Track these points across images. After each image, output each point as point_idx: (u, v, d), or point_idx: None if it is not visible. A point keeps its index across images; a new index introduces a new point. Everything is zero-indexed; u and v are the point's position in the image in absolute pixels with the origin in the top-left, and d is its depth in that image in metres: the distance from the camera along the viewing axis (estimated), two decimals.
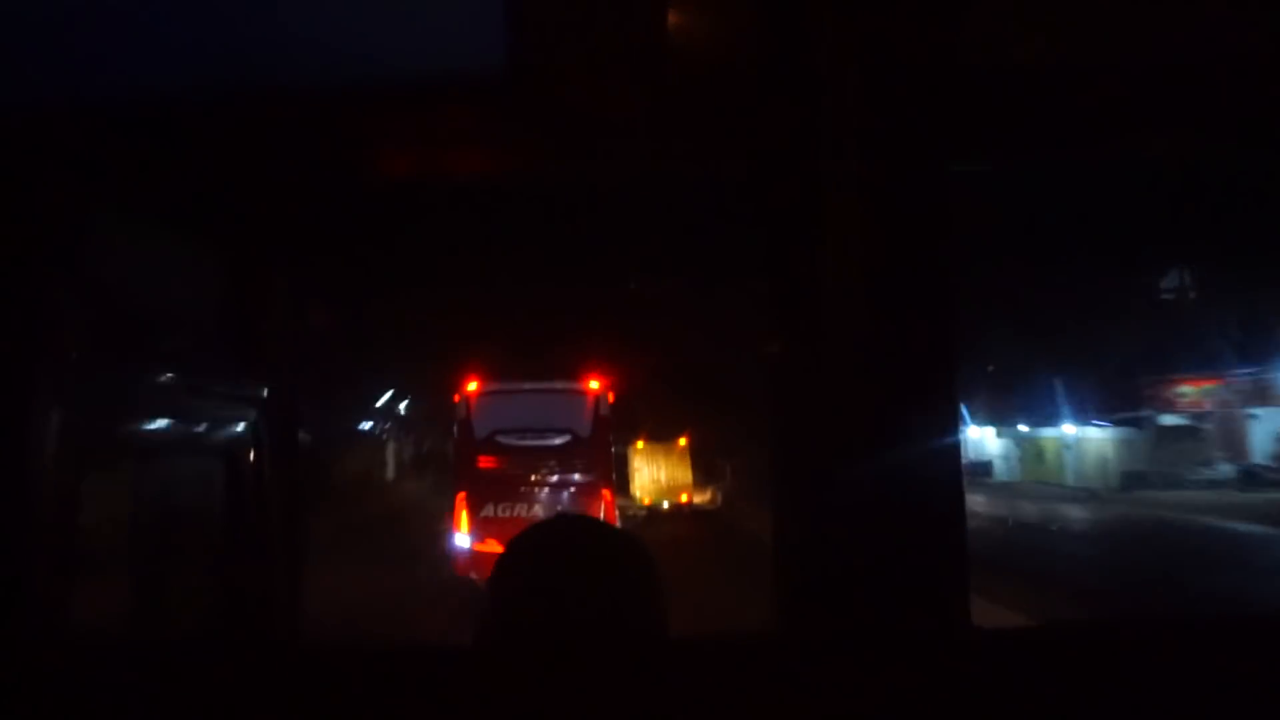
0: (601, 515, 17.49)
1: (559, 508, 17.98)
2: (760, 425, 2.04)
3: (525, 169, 2.98)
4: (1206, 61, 2.44)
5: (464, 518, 19.01)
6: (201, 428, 2.85)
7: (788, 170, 2.03)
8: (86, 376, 2.56)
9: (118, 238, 2.70)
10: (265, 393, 2.81)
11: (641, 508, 35.83)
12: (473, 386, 19.87)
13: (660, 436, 37.77)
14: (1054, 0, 2.41)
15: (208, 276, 2.81)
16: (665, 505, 36.72)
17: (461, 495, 19.23)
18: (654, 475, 37.39)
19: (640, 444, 38.00)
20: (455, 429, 20.21)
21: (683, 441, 37.79)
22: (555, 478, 19.37)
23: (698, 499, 39.14)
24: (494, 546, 17.24)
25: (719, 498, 41.75)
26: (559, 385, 19.97)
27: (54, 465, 2.47)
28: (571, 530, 2.11)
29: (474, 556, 18.29)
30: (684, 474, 37.77)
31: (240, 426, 2.80)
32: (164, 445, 2.89)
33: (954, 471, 1.85)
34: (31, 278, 2.48)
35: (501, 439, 19.48)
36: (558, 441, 19.50)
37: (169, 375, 2.76)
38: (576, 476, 19.36)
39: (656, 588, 1.97)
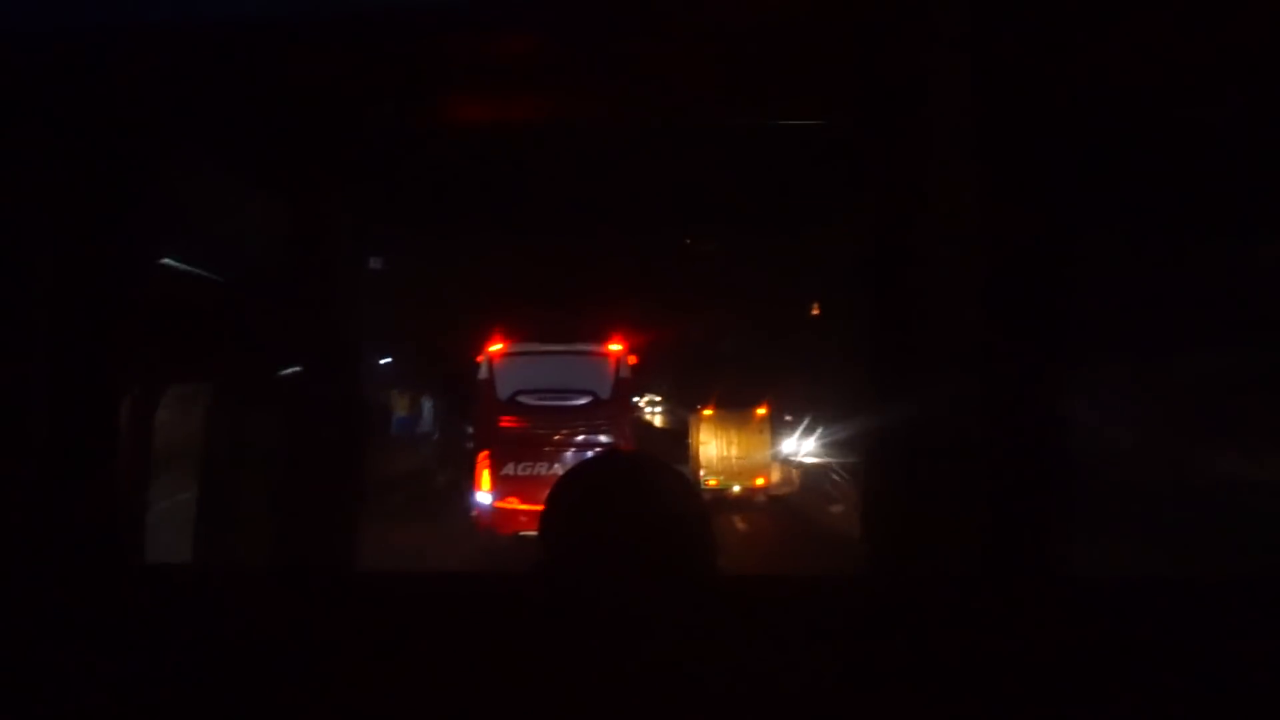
0: None
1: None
2: (855, 392, 2.01)
3: (592, 112, 2.95)
4: None
5: (485, 475, 18.86)
6: (269, 369, 2.90)
7: (891, 123, 1.99)
8: (162, 312, 2.61)
9: (188, 182, 2.74)
10: (328, 336, 2.84)
11: (706, 490, 26.73)
12: (496, 347, 19.59)
13: (735, 403, 29.14)
14: None
15: (275, 222, 2.83)
16: (736, 489, 28.02)
17: (484, 454, 19.12)
18: (723, 451, 28.74)
19: (709, 411, 29.53)
20: (478, 388, 19.80)
21: (761, 411, 28.75)
22: (576, 437, 19.24)
23: (776, 480, 29.66)
24: (514, 504, 17.93)
25: (796, 480, 31.13)
26: (580, 347, 19.67)
27: (132, 401, 2.54)
28: (619, 466, 2.09)
29: (495, 513, 18.41)
30: (761, 450, 28.71)
31: (304, 367, 2.84)
32: (236, 382, 2.94)
33: (1052, 422, 1.88)
34: (123, 226, 2.53)
35: (523, 399, 19.20)
36: (579, 402, 19.41)
37: (238, 316, 2.81)
38: (597, 436, 19.04)
39: (703, 521, 1.94)
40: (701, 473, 27.58)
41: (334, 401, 2.85)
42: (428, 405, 29.55)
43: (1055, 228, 1.94)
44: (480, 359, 19.83)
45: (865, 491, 2.06)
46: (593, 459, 2.10)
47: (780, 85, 2.62)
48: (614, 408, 19.29)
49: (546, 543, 1.89)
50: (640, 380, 21.65)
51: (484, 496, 18.64)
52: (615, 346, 19.50)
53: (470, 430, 25.21)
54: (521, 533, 16.62)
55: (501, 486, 18.55)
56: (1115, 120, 2.57)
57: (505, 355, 19.61)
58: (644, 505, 1.88)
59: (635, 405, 21.43)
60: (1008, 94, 1.90)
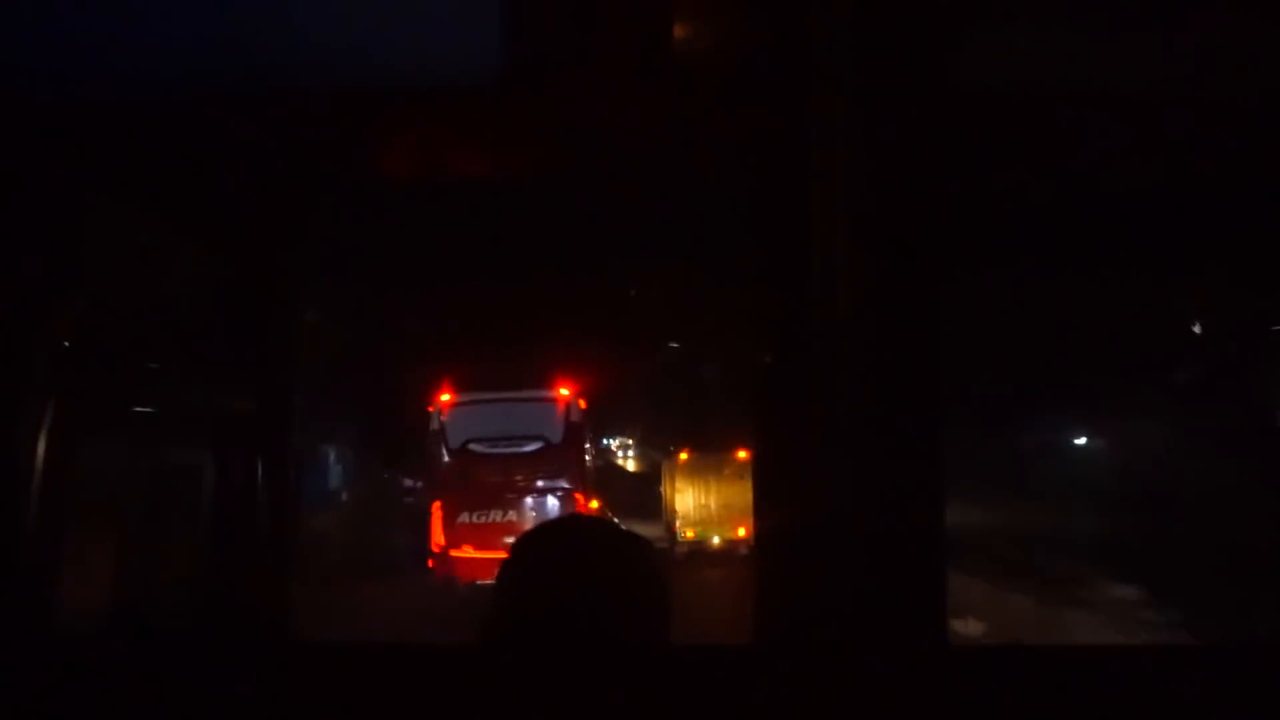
0: None
1: (532, 514, 18.64)
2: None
3: (518, 171, 2.96)
4: None
5: (439, 525, 19.26)
6: (194, 420, 2.79)
7: (780, 182, 2.01)
8: (80, 367, 2.51)
9: (116, 230, 2.64)
10: (258, 386, 2.76)
11: (683, 542, 25.95)
12: (445, 397, 20.00)
13: (713, 446, 27.16)
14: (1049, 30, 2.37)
15: (204, 270, 2.75)
16: (715, 541, 25.83)
17: (437, 504, 19.52)
18: (701, 499, 26.30)
19: (684, 455, 27.47)
20: (428, 439, 20.26)
21: (742, 454, 25.48)
22: (528, 484, 19.55)
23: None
24: (470, 552, 18.23)
25: None
26: (529, 394, 20.01)
27: (46, 456, 2.43)
28: (578, 531, 2.10)
29: (452, 562, 18.69)
30: (741, 498, 25.29)
31: (232, 419, 2.75)
32: (156, 436, 2.84)
33: (936, 488, 1.82)
34: (29, 267, 2.44)
35: (474, 447, 19.67)
36: (529, 449, 19.68)
37: (162, 368, 2.71)
38: (549, 482, 19.58)
39: (661, 593, 1.93)
40: (677, 524, 25.87)
41: (265, 455, 2.78)
42: (333, 458, 26.67)
43: (932, 300, 1.89)
44: (430, 409, 20.18)
45: (758, 562, 2.03)
46: (549, 524, 2.18)
47: (686, 147, 2.71)
48: (565, 453, 19.73)
49: (499, 609, 1.86)
50: (591, 424, 21.80)
51: (439, 545, 19.05)
52: (564, 391, 19.89)
53: (411, 484, 25.73)
54: (479, 581, 16.68)
55: (456, 535, 18.91)
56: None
57: (455, 405, 19.93)
58: (598, 575, 1.85)
59: (589, 450, 21.40)
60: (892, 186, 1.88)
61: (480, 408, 20.01)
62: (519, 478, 19.57)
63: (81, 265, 2.53)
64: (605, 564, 1.90)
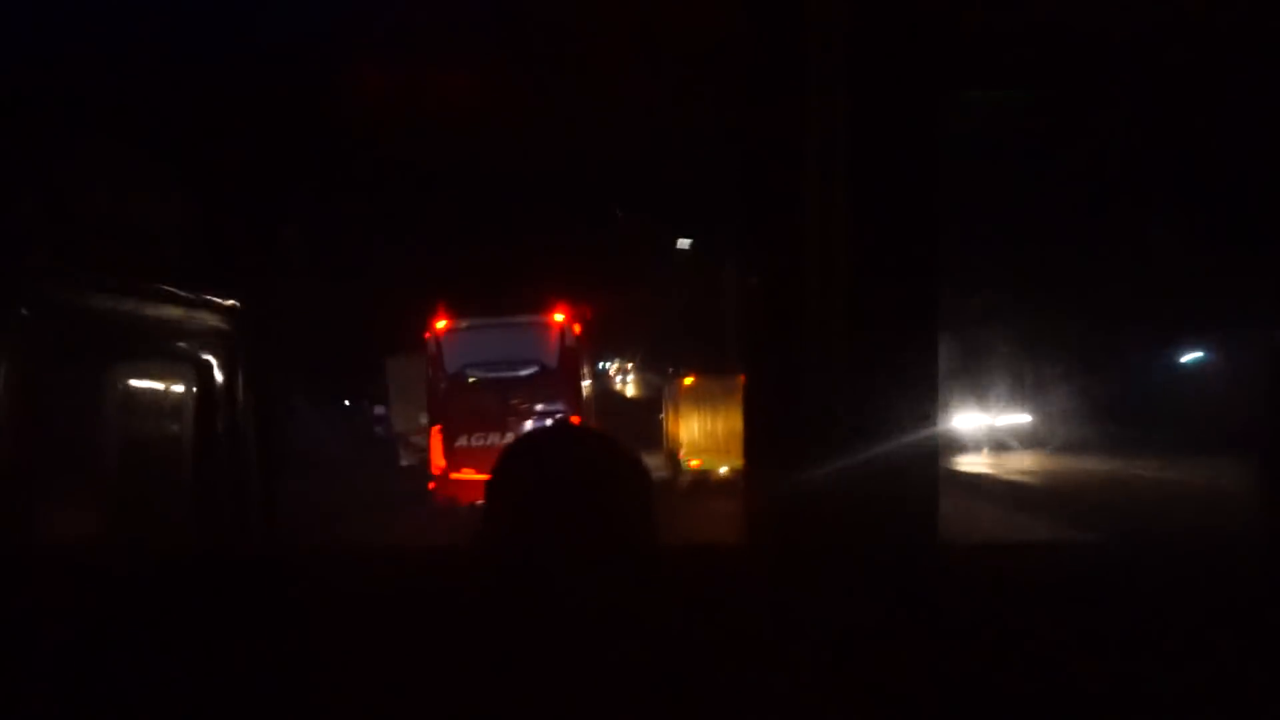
0: None
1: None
2: None
3: (508, 98, 2.91)
4: None
5: (439, 448, 19.48)
6: (175, 338, 2.75)
7: (770, 124, 1.98)
8: (55, 285, 2.46)
9: (92, 151, 2.58)
10: (239, 304, 2.72)
11: (687, 471, 23.92)
12: (442, 324, 20.05)
13: (720, 369, 24.60)
14: None
15: (185, 189, 2.70)
16: (723, 470, 23.31)
17: (436, 428, 19.72)
18: (707, 426, 24.05)
19: (689, 380, 25.33)
20: (427, 365, 20.34)
21: (558, 316, 21.96)
22: (525, 408, 19.47)
23: None
24: (469, 474, 18.30)
25: None
26: (524, 319, 20.12)
27: (18, 372, 2.39)
28: (566, 441, 2.05)
29: (451, 483, 18.88)
30: None
31: (214, 337, 2.71)
32: (137, 355, 2.80)
33: (930, 392, 1.82)
34: (6, 192, 2.39)
35: (471, 372, 19.80)
36: (525, 373, 19.76)
37: (144, 285, 2.66)
38: (545, 406, 19.52)
39: (646, 498, 1.91)
40: (681, 452, 24.36)
41: (247, 375, 2.75)
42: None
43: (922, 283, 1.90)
44: (427, 335, 20.21)
45: (746, 472, 2.13)
46: (534, 432, 2.08)
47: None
48: (561, 376, 19.80)
49: (487, 516, 1.85)
50: (588, 348, 21.62)
51: (439, 468, 19.35)
52: (559, 316, 19.82)
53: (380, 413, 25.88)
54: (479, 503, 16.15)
55: (455, 458, 19.07)
56: None
57: (450, 330, 20.00)
58: (582, 480, 1.85)
59: (585, 374, 21.32)
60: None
61: (476, 333, 20.07)
62: (515, 402, 19.53)
63: (57, 183, 2.47)
64: (588, 468, 1.88)
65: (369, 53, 2.46)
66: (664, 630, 1.60)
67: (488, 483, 1.92)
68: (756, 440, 2.05)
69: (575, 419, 19.09)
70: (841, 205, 1.86)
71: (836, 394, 1.80)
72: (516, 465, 1.93)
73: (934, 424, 1.82)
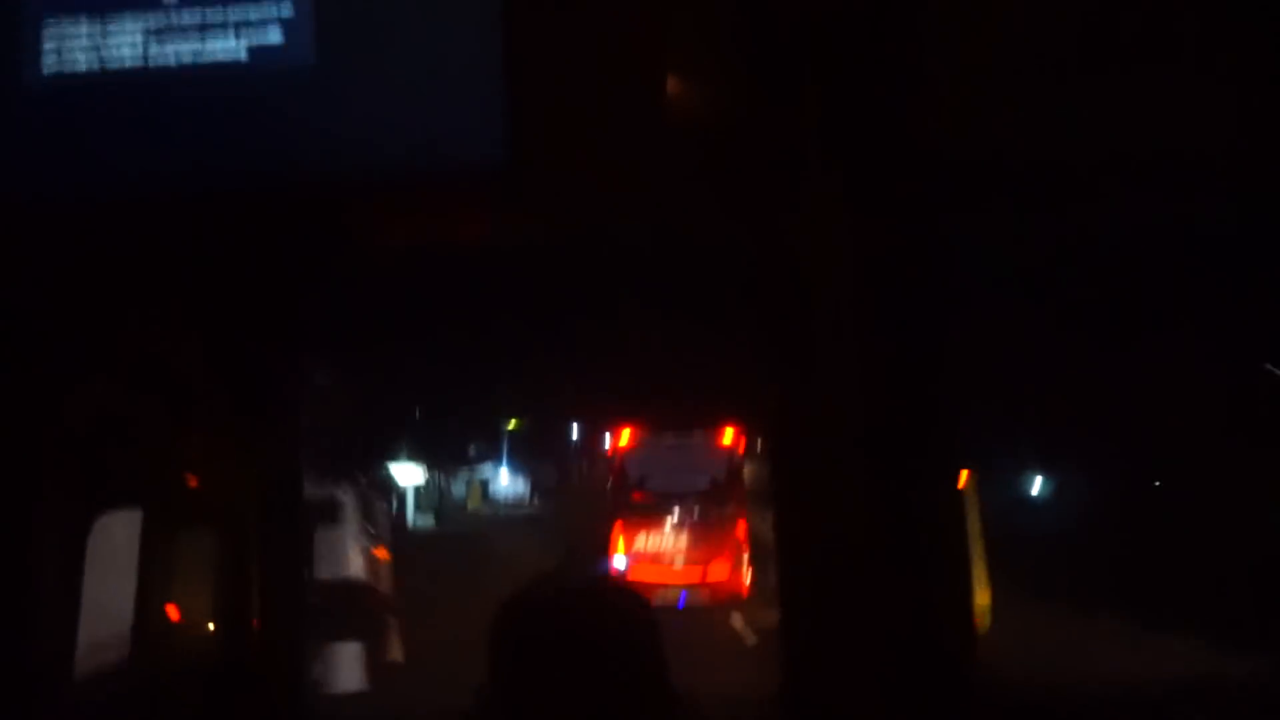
0: (740, 542, 19.37)
1: (700, 542, 19.91)
2: None
3: (523, 245, 2.97)
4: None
5: (620, 543, 20.78)
6: (205, 492, 2.87)
7: (778, 240, 1.99)
8: (92, 450, 2.60)
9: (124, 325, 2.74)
10: (267, 458, 2.82)
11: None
12: (625, 437, 21.78)
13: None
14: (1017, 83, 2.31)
15: (208, 348, 2.82)
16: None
17: (619, 523, 20.95)
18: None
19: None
20: (610, 474, 22.01)
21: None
22: (696, 515, 20.44)
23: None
24: (644, 574, 19.56)
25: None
26: (697, 439, 21.23)
27: (63, 527, 2.52)
28: (570, 591, 1.97)
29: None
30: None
31: (242, 492, 2.81)
32: (170, 510, 2.91)
33: (958, 532, 1.80)
34: (37, 360, 2.55)
35: (650, 485, 21.09)
36: (700, 485, 20.67)
37: (174, 447, 2.79)
38: (717, 514, 20.30)
39: (657, 651, 1.83)
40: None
41: (273, 520, 2.82)
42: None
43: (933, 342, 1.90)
44: (610, 450, 22.64)
45: (781, 614, 1.97)
46: (534, 593, 1.93)
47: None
48: (728, 488, 20.48)
49: (491, 670, 1.80)
50: (745, 462, 21.67)
51: (619, 560, 20.71)
52: (728, 437, 20.83)
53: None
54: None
55: (635, 560, 20.50)
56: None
57: (633, 446, 21.73)
58: (594, 638, 1.78)
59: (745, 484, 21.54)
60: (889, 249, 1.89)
61: (655, 450, 21.53)
62: (687, 508, 20.52)
63: (90, 353, 2.63)
64: (591, 625, 1.81)
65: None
66: None
67: (487, 649, 1.83)
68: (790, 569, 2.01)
69: (742, 521, 19.89)
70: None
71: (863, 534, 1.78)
72: (517, 632, 1.84)
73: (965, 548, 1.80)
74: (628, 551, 20.51)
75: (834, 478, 1.82)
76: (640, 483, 21.02)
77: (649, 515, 20.52)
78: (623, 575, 19.29)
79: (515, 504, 53.63)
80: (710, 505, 20.34)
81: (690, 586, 19.59)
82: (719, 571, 19.54)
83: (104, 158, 2.54)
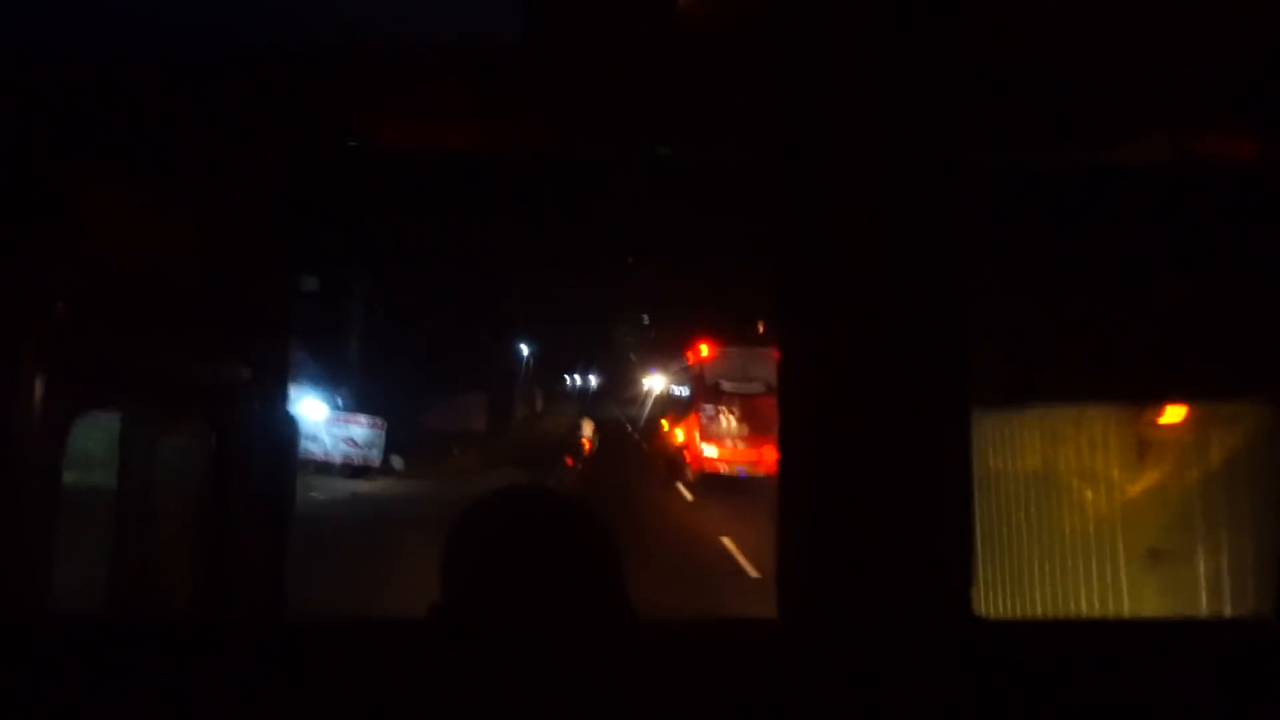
0: None
1: (756, 432, 25.12)
2: None
3: (533, 142, 2.78)
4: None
5: (697, 431, 26.67)
6: (191, 398, 2.67)
7: (797, 154, 1.84)
8: (75, 345, 2.42)
9: (109, 204, 2.54)
10: (255, 364, 2.63)
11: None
12: (705, 350, 27.44)
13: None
14: None
15: (201, 244, 2.62)
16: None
17: (695, 415, 27.12)
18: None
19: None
20: (691, 379, 29.46)
21: None
22: (756, 411, 25.30)
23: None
24: (714, 454, 25.83)
25: None
26: (758, 353, 26.03)
27: (39, 434, 2.36)
28: (525, 504, 1.91)
29: (705, 460, 26.05)
30: None
31: (230, 398, 2.63)
32: (151, 414, 2.73)
33: (963, 461, 1.70)
34: (23, 245, 2.38)
35: (723, 385, 26.54)
36: (757, 389, 25.57)
37: (159, 344, 2.59)
38: (768, 409, 23.62)
39: (614, 562, 1.79)
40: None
41: (261, 431, 2.67)
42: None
43: (959, 261, 1.75)
44: (691, 359, 29.37)
45: (779, 534, 1.86)
46: (491, 496, 1.89)
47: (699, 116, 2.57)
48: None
49: (445, 586, 1.74)
50: None
51: (696, 446, 26.49)
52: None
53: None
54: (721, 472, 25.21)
55: (708, 442, 26.17)
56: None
57: (710, 356, 27.28)
58: (544, 545, 1.76)
59: None
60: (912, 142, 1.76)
61: (727, 357, 27.08)
62: (751, 406, 25.60)
63: (74, 239, 2.43)
64: (550, 530, 1.79)
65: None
66: (640, 706, 1.49)
67: (444, 550, 1.80)
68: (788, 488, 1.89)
69: None
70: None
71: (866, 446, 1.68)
72: (474, 529, 1.81)
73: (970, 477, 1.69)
74: (703, 438, 26.14)
75: (843, 389, 1.73)
76: (715, 385, 26.52)
77: (719, 410, 26.20)
78: (699, 457, 25.93)
79: None
80: (765, 404, 24.59)
81: (748, 464, 25.13)
82: (770, 455, 22.37)
83: (87, 19, 2.32)
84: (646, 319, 68.89)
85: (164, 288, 2.60)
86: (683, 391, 31.29)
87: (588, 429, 36.33)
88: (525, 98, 2.53)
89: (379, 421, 26.98)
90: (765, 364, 25.03)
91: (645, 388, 58.44)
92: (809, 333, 1.79)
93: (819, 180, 1.75)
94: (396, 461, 27.92)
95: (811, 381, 1.77)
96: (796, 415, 1.84)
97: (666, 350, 38.72)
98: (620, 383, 77.29)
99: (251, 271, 2.59)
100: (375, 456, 26.80)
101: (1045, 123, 2.43)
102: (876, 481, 1.65)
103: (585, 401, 65.28)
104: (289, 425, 2.77)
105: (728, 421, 26.06)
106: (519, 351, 53.94)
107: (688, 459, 27.01)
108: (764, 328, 25.07)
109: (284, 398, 2.70)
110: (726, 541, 17.97)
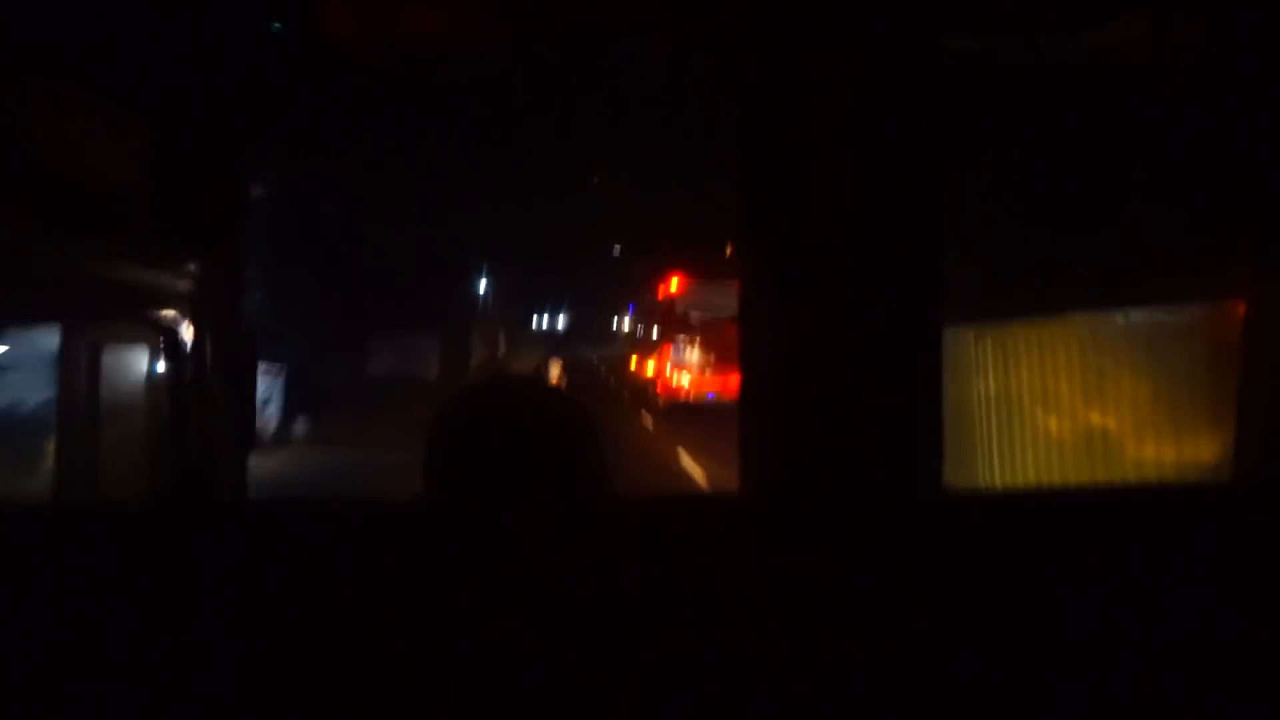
0: None
1: (723, 359, 26.32)
2: None
3: (483, 33, 2.68)
4: None
5: (668, 361, 28.22)
6: (138, 296, 2.56)
7: (766, 57, 1.77)
8: (7, 245, 2.29)
9: (43, 96, 2.40)
10: (206, 261, 2.52)
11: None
12: (675, 283, 29.23)
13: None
14: None
15: (143, 139, 2.49)
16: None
17: (667, 345, 28.49)
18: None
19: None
20: (661, 308, 30.07)
21: None
22: (725, 339, 25.91)
23: None
24: (683, 381, 27.56)
25: None
26: (726, 284, 26.20)
27: None
28: (506, 395, 1.95)
29: (670, 387, 27.95)
30: None
31: (180, 294, 2.52)
32: (97, 314, 2.62)
33: (933, 340, 1.67)
34: None
35: (693, 315, 28.10)
36: (726, 316, 25.79)
37: (102, 242, 2.47)
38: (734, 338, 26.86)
39: (596, 449, 1.85)
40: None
41: (215, 335, 2.56)
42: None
43: (927, 143, 1.71)
44: (662, 289, 30.58)
45: (741, 413, 1.81)
46: (473, 384, 1.95)
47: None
48: None
49: (428, 471, 1.78)
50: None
51: (665, 373, 28.34)
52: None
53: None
54: (692, 400, 26.78)
55: (675, 368, 27.86)
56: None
57: (681, 286, 29.08)
58: (527, 429, 1.79)
59: None
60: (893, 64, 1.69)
61: (697, 286, 28.61)
62: (718, 333, 26.47)
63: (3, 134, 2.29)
64: (529, 416, 1.83)
65: None
66: (625, 585, 1.47)
67: (428, 438, 1.81)
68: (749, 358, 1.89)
69: None
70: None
71: (835, 328, 1.65)
72: (456, 417, 1.83)
73: (938, 358, 1.67)
74: (675, 367, 27.75)
75: (812, 267, 1.69)
76: (684, 316, 28.19)
77: (690, 339, 27.56)
78: (668, 382, 27.83)
79: None
80: (733, 332, 25.77)
81: (717, 390, 26.41)
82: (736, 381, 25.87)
83: None
84: (618, 249, 66.38)
85: (102, 189, 2.47)
86: (653, 325, 31.78)
87: (554, 370, 35.94)
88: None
89: (276, 368, 20.94)
90: (732, 294, 26.69)
91: (617, 325, 57.72)
92: (775, 206, 1.74)
93: (789, 84, 1.70)
94: (300, 426, 22.36)
95: (777, 256, 1.73)
96: (762, 298, 1.81)
97: (640, 284, 38.59)
98: (591, 321, 76.66)
99: (200, 172, 2.46)
100: (271, 417, 20.88)
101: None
102: (843, 363, 1.63)
103: (553, 343, 64.44)
104: (245, 339, 2.67)
105: (698, 350, 27.41)
106: (478, 287, 49.44)
107: (659, 389, 28.49)
108: (731, 251, 24.95)
109: (237, 294, 2.59)
110: (684, 457, 19.34)
